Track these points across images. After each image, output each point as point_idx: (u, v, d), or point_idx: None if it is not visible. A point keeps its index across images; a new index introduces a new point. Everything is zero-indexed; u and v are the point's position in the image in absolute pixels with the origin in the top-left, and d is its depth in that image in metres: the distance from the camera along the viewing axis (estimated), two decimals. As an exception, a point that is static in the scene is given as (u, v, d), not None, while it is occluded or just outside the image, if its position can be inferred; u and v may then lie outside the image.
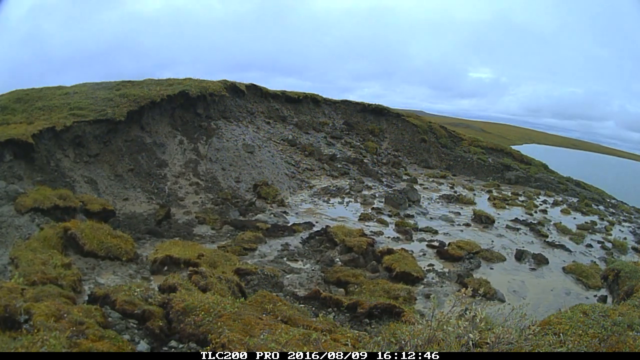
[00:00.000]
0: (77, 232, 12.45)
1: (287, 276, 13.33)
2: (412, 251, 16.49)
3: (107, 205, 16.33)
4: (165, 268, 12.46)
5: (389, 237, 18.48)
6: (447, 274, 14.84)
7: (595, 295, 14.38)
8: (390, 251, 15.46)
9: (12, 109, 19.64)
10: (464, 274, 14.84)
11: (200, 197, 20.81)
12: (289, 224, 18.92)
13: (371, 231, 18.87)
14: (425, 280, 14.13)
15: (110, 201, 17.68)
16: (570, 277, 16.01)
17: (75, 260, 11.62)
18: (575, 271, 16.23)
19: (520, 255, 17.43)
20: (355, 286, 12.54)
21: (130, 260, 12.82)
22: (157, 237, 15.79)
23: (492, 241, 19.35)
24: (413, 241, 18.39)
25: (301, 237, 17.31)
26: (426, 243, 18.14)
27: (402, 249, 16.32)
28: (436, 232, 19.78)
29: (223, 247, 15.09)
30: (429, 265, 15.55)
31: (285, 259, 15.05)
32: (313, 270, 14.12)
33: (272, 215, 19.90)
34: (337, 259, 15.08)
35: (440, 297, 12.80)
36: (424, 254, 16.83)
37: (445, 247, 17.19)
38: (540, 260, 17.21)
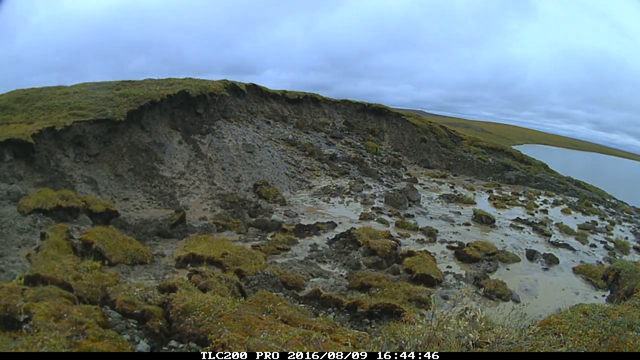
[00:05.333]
0: (101, 246, 12.55)
1: (313, 279, 13.38)
2: (435, 253, 16.61)
3: (110, 206, 16.34)
4: (189, 265, 12.64)
5: (413, 240, 18.57)
6: (464, 276, 14.92)
7: (603, 295, 14.49)
8: (410, 253, 15.55)
9: (12, 109, 19.65)
10: (480, 275, 14.94)
11: (201, 197, 20.81)
12: (302, 224, 18.93)
13: (398, 233, 18.92)
14: (443, 282, 14.19)
15: (110, 201, 17.66)
16: (580, 277, 16.28)
17: (104, 268, 11.59)
18: (585, 271, 16.52)
19: (532, 255, 17.59)
20: (377, 289, 12.55)
21: (153, 262, 13.12)
22: (165, 238, 15.92)
23: (502, 241, 19.45)
24: (436, 243, 18.52)
25: (327, 238, 17.48)
26: (447, 244, 18.25)
27: (425, 250, 16.41)
28: (436, 232, 19.77)
29: (257, 247, 15.31)
30: (447, 267, 15.64)
31: (314, 260, 15.19)
32: (341, 275, 14.15)
33: (285, 216, 19.93)
34: (361, 261, 15.14)
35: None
36: (445, 256, 16.92)
37: (464, 249, 17.27)
38: (552, 260, 17.42)
